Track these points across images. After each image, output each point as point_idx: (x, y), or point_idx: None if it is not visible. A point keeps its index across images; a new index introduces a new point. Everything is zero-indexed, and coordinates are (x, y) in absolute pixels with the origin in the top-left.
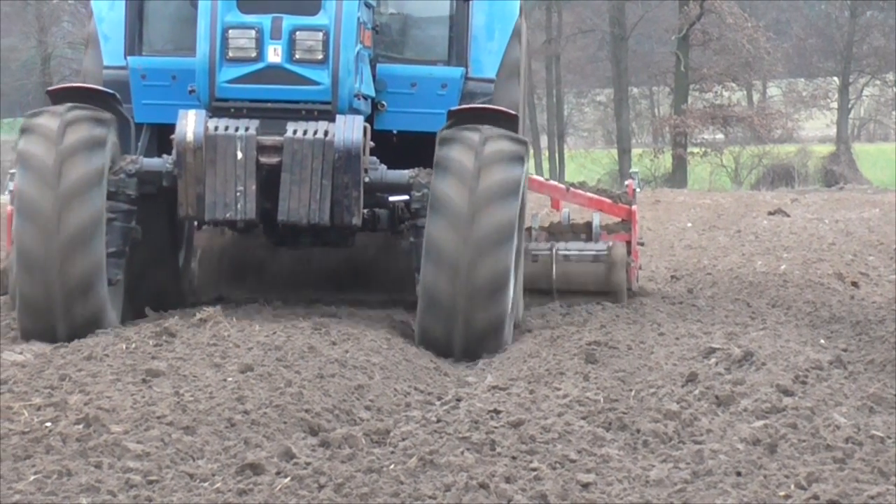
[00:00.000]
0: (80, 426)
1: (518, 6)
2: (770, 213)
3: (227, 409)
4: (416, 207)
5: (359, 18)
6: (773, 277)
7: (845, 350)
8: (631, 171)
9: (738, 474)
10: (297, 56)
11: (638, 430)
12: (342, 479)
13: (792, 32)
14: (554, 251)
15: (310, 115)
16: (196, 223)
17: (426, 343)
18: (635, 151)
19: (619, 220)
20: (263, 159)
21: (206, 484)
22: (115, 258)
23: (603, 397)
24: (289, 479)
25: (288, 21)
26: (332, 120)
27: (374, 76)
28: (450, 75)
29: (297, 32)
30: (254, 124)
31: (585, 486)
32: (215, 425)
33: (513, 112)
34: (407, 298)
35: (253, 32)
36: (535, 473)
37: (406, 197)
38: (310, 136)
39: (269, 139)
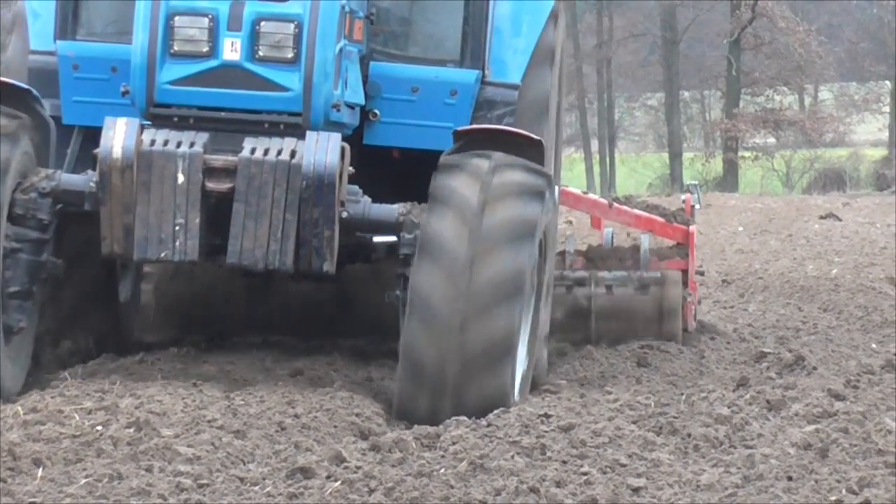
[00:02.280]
0: (131, 430)
1: None
2: (821, 218)
3: (278, 412)
4: (405, 253)
5: (343, 7)
6: (824, 282)
7: None
8: (688, 182)
9: (790, 479)
10: (260, 53)
11: (689, 435)
12: (392, 483)
13: (844, 36)
14: (592, 281)
15: (274, 130)
16: None
17: (406, 416)
18: (686, 155)
19: (674, 243)
20: (211, 185)
21: (256, 488)
22: (18, 300)
23: (654, 401)
24: (339, 482)
25: (251, 7)
26: (302, 137)
27: (365, 77)
28: (461, 79)
29: (262, 23)
30: (201, 139)
31: (636, 490)
32: (266, 429)
33: (536, 137)
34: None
35: (205, 20)
36: (585, 478)
37: (393, 238)
38: (271, 156)
39: (219, 159)
